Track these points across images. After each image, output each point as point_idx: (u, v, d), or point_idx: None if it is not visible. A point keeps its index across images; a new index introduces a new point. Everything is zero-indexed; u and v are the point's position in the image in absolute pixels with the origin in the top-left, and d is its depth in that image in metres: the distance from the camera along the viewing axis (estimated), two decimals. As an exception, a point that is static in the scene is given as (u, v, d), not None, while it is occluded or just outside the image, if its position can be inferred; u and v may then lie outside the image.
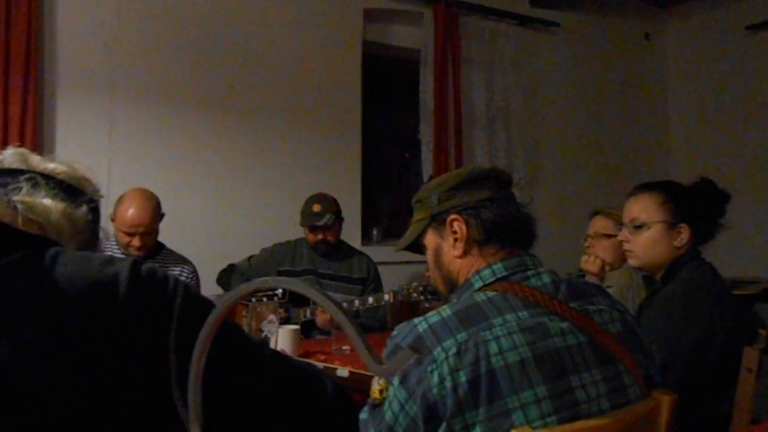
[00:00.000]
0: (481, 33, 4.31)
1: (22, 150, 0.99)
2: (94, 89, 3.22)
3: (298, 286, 0.50)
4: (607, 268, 2.53)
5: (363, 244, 3.89)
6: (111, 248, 2.79)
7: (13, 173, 0.95)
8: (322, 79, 3.84)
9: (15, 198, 0.92)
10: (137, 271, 0.84)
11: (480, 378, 1.05)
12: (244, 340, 0.90)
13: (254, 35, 3.65)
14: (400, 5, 4.09)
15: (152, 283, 0.85)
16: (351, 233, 3.60)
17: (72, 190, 0.99)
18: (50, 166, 0.99)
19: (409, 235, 1.38)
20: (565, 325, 1.13)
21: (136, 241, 2.71)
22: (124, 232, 2.72)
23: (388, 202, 4.47)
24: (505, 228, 1.25)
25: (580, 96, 4.83)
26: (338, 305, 0.48)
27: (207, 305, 0.89)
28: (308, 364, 1.01)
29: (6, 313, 0.78)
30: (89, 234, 1.00)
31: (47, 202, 0.94)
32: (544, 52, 4.67)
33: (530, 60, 4.56)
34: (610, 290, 2.05)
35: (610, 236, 2.50)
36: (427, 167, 4.10)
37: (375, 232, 4.21)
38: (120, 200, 2.77)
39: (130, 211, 2.70)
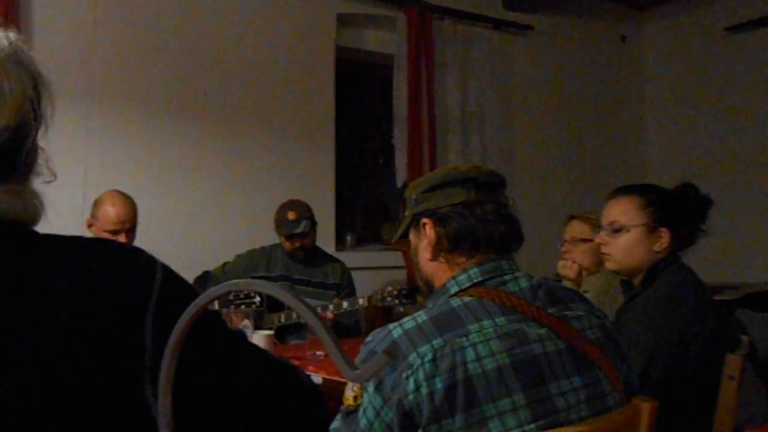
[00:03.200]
0: (454, 37, 4.29)
1: None
2: (70, 95, 3.16)
3: (272, 289, 0.47)
4: (584, 273, 2.52)
5: (337, 249, 3.86)
6: None
7: None
8: (295, 84, 3.81)
9: None
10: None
11: (456, 385, 1.03)
12: (223, 328, 0.87)
13: (227, 41, 3.63)
14: (373, 10, 4.07)
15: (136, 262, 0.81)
16: (325, 239, 3.57)
17: None
18: None
19: (398, 231, 1.35)
20: (543, 331, 1.11)
21: (122, 238, 2.72)
22: (110, 231, 2.72)
23: (362, 207, 4.44)
24: (473, 236, 1.20)
25: (556, 99, 4.83)
26: (311, 309, 0.46)
27: (191, 291, 0.84)
28: (285, 358, 0.98)
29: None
30: None
31: None
32: (519, 56, 4.67)
33: (505, 63, 4.55)
34: (587, 295, 2.04)
35: (586, 241, 2.49)
36: (401, 172, 4.07)
37: (349, 237, 4.18)
38: (98, 202, 2.78)
39: (114, 209, 2.73)
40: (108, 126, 3.31)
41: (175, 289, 0.81)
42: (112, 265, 0.79)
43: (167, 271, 0.82)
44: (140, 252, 0.84)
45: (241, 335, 0.91)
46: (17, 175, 0.80)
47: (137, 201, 2.86)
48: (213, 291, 0.50)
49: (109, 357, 0.74)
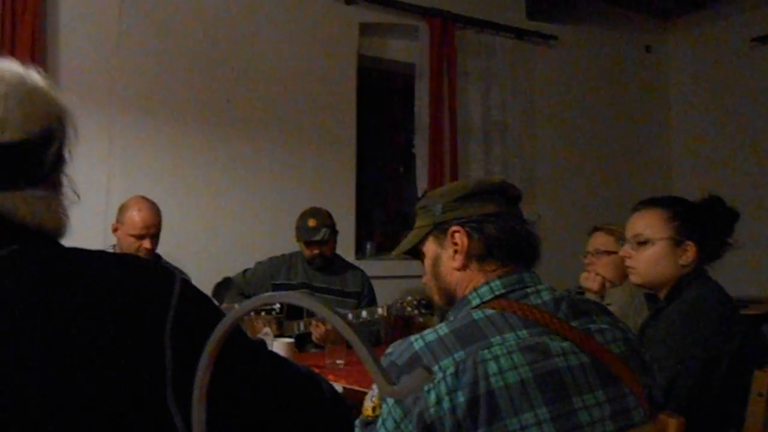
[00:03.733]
0: (477, 47, 4.29)
1: None
2: (94, 102, 3.21)
3: (309, 302, 0.47)
4: (607, 285, 2.49)
5: (357, 257, 3.86)
6: None
7: None
8: (317, 92, 3.83)
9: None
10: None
11: (479, 398, 1.02)
12: (245, 338, 0.88)
13: (251, 49, 3.66)
14: (396, 19, 4.08)
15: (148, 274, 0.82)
16: (345, 247, 3.57)
17: None
18: None
19: (409, 240, 1.34)
20: (566, 344, 1.09)
21: (147, 243, 2.76)
22: (135, 236, 2.76)
23: (382, 216, 4.44)
24: (507, 245, 1.21)
25: (579, 110, 4.79)
26: (348, 322, 0.46)
27: (208, 302, 0.86)
28: (306, 367, 0.98)
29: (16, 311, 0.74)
30: None
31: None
32: (542, 66, 4.64)
33: (527, 73, 4.54)
34: (610, 308, 2.02)
35: (610, 253, 2.46)
36: (421, 181, 4.06)
37: (369, 246, 4.17)
38: (124, 207, 2.83)
39: (140, 213, 2.77)
40: (132, 133, 3.35)
41: (193, 302, 0.83)
42: (131, 280, 0.81)
43: (185, 284, 0.84)
44: (158, 266, 0.86)
45: (261, 345, 0.91)
46: (41, 184, 0.82)
47: (160, 207, 2.89)
48: (250, 303, 0.50)
49: (130, 368, 0.76)
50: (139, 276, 0.82)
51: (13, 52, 2.99)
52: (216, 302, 3.12)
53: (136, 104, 3.35)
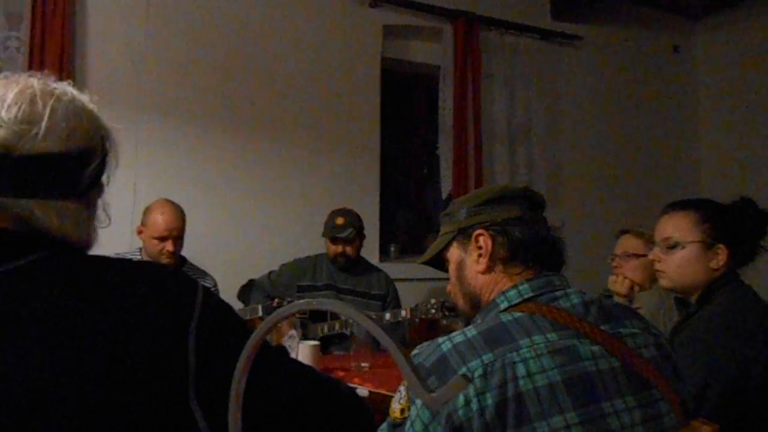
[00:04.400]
0: (501, 48, 4.26)
1: None
2: (122, 106, 3.26)
3: (345, 309, 0.47)
4: (635, 288, 2.46)
5: (381, 260, 3.86)
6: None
7: None
8: (341, 95, 3.84)
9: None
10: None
11: (507, 401, 1.01)
12: (267, 345, 0.90)
13: (275, 53, 3.68)
14: (420, 21, 4.07)
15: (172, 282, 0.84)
16: (369, 249, 3.57)
17: None
18: None
19: (433, 248, 1.34)
20: (596, 348, 1.08)
21: (169, 246, 2.79)
22: (158, 238, 2.79)
23: (406, 218, 4.43)
24: (532, 248, 1.21)
25: (605, 111, 4.73)
26: (383, 329, 0.46)
27: (229, 310, 0.88)
28: (328, 375, 0.99)
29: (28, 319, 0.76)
30: None
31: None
32: (567, 66, 4.60)
33: (553, 74, 4.50)
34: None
35: (638, 256, 2.43)
36: (446, 183, 4.05)
37: (393, 248, 4.17)
38: (148, 210, 2.87)
39: (163, 216, 2.81)
40: (158, 136, 3.39)
41: (215, 311, 0.85)
42: (156, 288, 0.83)
43: (207, 293, 0.86)
44: (182, 275, 0.88)
45: (283, 352, 0.92)
46: (75, 199, 0.85)
47: (185, 210, 2.92)
48: (284, 310, 0.50)
49: (153, 373, 0.77)
50: (162, 284, 0.84)
51: (42, 57, 3.04)
52: (242, 304, 3.14)
53: (162, 108, 3.39)
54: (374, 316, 2.90)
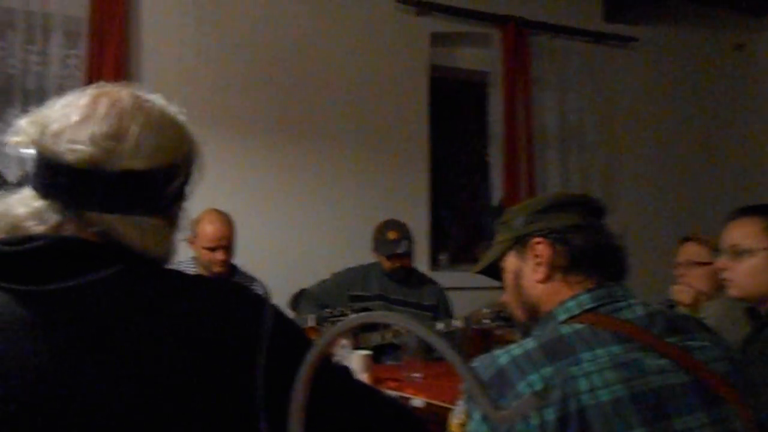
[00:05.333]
0: (552, 52, 4.19)
1: None
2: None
3: (409, 323, 0.46)
4: (701, 298, 2.37)
5: (431, 269, 3.83)
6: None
7: None
8: (390, 104, 3.85)
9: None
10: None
11: (569, 417, 0.97)
12: (329, 361, 0.90)
13: (324, 62, 3.72)
14: (467, 28, 4.05)
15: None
16: (419, 258, 3.55)
17: None
18: None
19: (488, 257, 1.31)
20: (663, 362, 1.03)
21: (219, 255, 2.81)
22: (208, 248, 2.82)
23: (457, 227, 4.39)
24: (592, 257, 1.16)
25: (663, 114, 4.58)
26: (450, 347, 0.44)
27: (296, 329, 0.89)
28: (387, 395, 0.98)
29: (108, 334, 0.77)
30: None
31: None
32: (622, 69, 4.47)
33: (606, 78, 4.39)
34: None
35: (703, 264, 2.34)
36: (496, 191, 4.00)
37: (443, 257, 4.14)
38: (197, 221, 2.88)
39: (212, 226, 2.83)
40: (209, 146, 3.42)
41: (283, 330, 0.85)
42: (225, 306, 0.83)
43: (275, 311, 0.86)
44: (250, 292, 0.88)
45: (346, 370, 0.92)
46: (157, 215, 0.86)
47: (235, 219, 2.93)
48: (347, 322, 0.49)
49: (225, 394, 0.78)
50: (232, 302, 0.84)
51: (100, 73, 3.14)
52: (293, 313, 3.15)
53: (213, 119, 3.44)
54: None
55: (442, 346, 0.43)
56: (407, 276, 3.21)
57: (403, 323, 0.46)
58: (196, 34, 3.44)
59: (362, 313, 0.50)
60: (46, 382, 0.74)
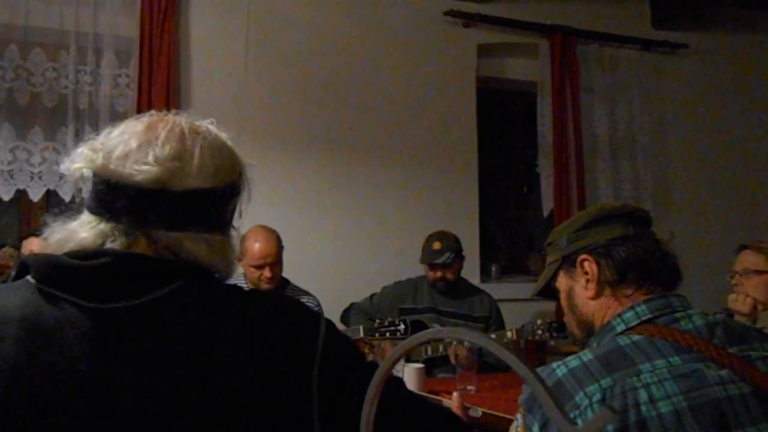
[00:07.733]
0: (600, 61, 4.16)
1: None
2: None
3: (481, 340, 0.47)
4: (759, 307, 2.31)
5: (482, 280, 3.82)
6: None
7: None
8: (437, 115, 3.86)
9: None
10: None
11: (629, 428, 0.98)
12: (391, 381, 0.90)
13: (372, 76, 3.75)
14: (514, 38, 4.05)
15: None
16: (470, 270, 3.54)
17: None
18: None
19: (541, 280, 1.34)
20: (724, 372, 1.02)
21: (267, 272, 2.81)
22: (255, 266, 2.82)
23: (507, 237, 4.37)
24: (640, 267, 1.17)
25: (715, 120, 4.49)
26: (522, 360, 0.45)
27: (349, 343, 0.90)
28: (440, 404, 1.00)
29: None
30: None
31: None
32: (672, 76, 4.41)
33: (656, 85, 4.33)
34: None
35: (761, 273, 2.29)
36: (547, 201, 3.97)
37: (494, 268, 4.12)
38: (244, 238, 2.89)
39: (258, 245, 2.83)
40: (258, 163, 3.49)
41: (337, 343, 0.87)
42: (285, 320, 0.86)
43: (329, 325, 0.88)
44: (306, 307, 0.91)
45: (400, 381, 0.93)
46: (219, 232, 0.90)
47: (285, 235, 2.93)
48: (415, 338, 0.50)
49: (281, 407, 0.80)
50: (292, 317, 0.87)
51: (150, 92, 3.24)
52: (343, 327, 3.17)
53: (261, 135, 3.51)
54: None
55: (513, 361, 0.44)
56: (451, 288, 3.18)
57: (477, 340, 0.47)
58: (245, 51, 3.52)
59: (434, 328, 0.52)
60: (99, 397, 0.75)
